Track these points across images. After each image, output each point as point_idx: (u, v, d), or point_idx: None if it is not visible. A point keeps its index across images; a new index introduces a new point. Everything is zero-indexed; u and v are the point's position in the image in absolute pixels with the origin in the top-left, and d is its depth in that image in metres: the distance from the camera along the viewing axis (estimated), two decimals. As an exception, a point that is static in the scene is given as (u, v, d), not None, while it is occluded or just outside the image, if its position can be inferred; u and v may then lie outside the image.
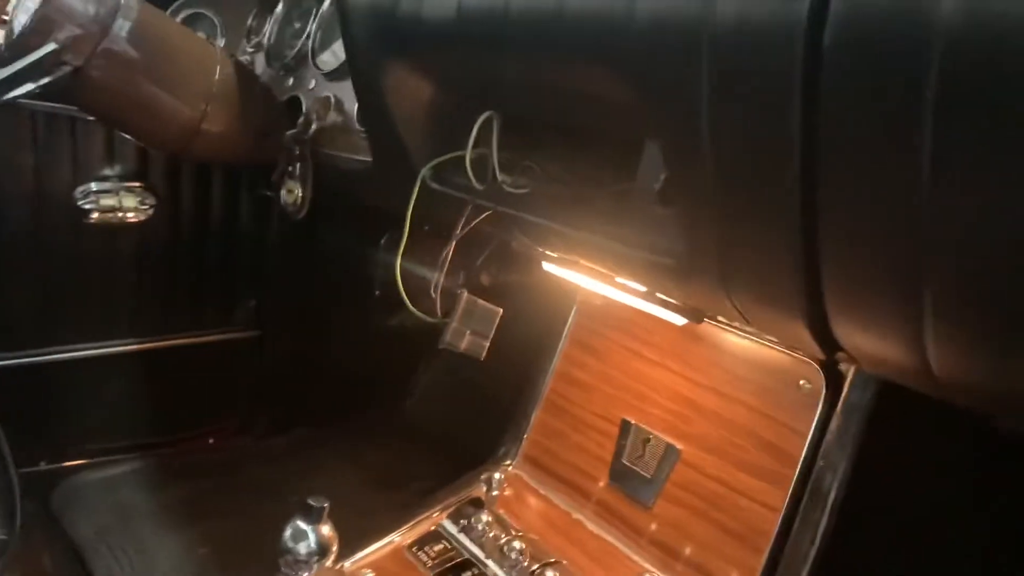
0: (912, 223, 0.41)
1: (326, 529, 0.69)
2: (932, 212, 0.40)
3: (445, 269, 0.80)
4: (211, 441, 1.80)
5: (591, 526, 0.97)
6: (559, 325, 1.09)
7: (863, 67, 0.40)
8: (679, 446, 0.92)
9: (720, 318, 0.88)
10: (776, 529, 0.81)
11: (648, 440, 0.95)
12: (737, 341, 0.90)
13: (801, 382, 0.83)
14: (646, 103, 0.55)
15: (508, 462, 1.09)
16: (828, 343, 0.54)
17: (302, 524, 0.69)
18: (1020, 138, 0.36)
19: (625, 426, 0.98)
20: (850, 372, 0.80)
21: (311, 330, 1.80)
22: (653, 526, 0.92)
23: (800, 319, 0.53)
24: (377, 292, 1.68)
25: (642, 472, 0.94)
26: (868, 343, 0.51)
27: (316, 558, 0.68)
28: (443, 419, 1.76)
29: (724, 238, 0.54)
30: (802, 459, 0.81)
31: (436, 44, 0.73)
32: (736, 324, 0.88)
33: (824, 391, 0.81)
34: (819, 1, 0.42)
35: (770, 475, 0.84)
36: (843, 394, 0.79)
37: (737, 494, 0.86)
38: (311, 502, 0.69)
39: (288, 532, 0.69)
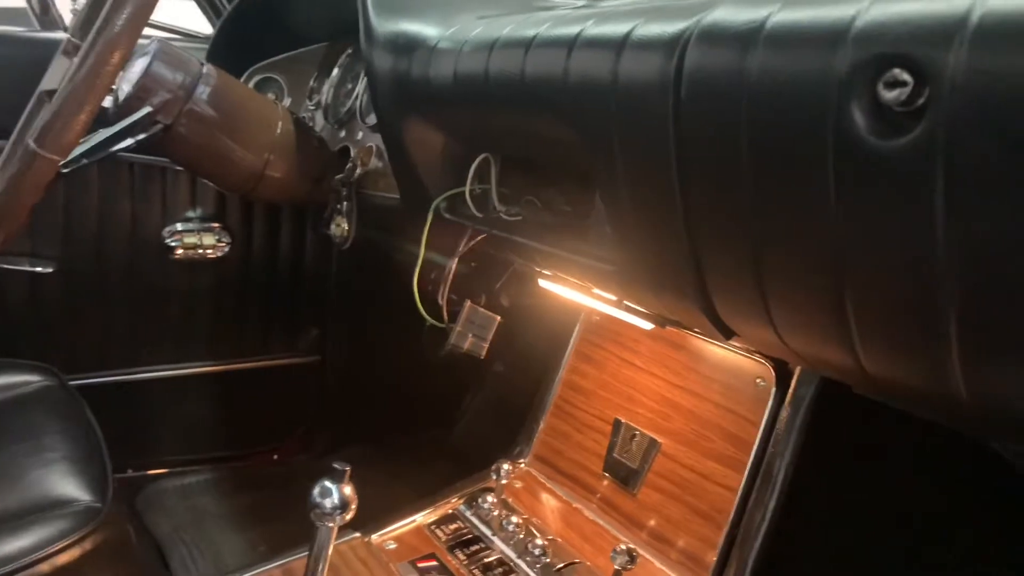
0: (751, 235, 0.56)
1: (347, 489, 0.85)
2: (758, 227, 0.55)
3: (450, 281, 0.97)
4: (275, 457, 1.98)
5: (587, 512, 1.10)
6: (566, 340, 1.25)
7: (703, 113, 0.56)
8: (660, 440, 1.05)
9: (696, 329, 1.02)
10: (734, 508, 0.94)
11: (635, 436, 1.09)
12: (709, 348, 1.03)
13: (758, 380, 0.96)
14: (583, 147, 0.71)
15: (522, 460, 1.23)
16: (724, 330, 0.68)
17: (328, 484, 0.85)
18: (798, 169, 0.50)
19: (617, 425, 1.12)
20: (797, 370, 0.92)
21: (368, 356, 1.97)
22: (636, 509, 1.05)
23: (702, 313, 0.68)
24: (427, 323, 1.84)
25: (629, 464, 1.08)
26: (747, 329, 0.65)
27: (339, 511, 0.84)
28: (487, 444, 1.90)
29: (643, 249, 0.70)
30: (755, 446, 0.94)
31: (440, 102, 0.91)
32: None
33: (775, 387, 0.94)
34: (679, 62, 0.57)
35: (731, 461, 0.96)
36: (791, 388, 0.92)
37: (704, 479, 0.99)
38: (336, 466, 0.85)
39: (317, 490, 0.84)
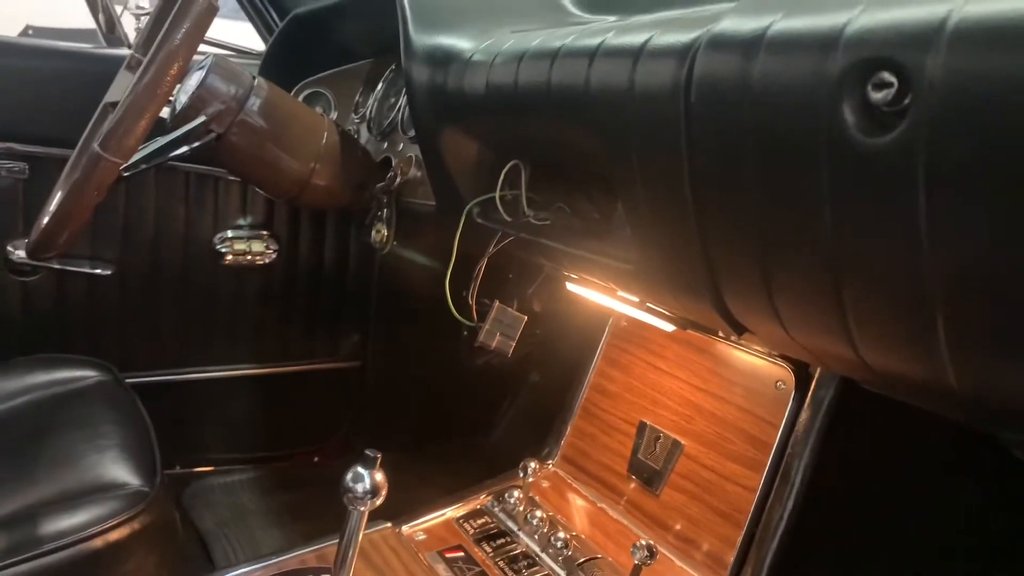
0: (757, 234, 0.59)
1: (379, 475, 0.89)
2: (763, 226, 0.58)
3: (479, 280, 1.01)
4: (316, 459, 2.03)
5: (611, 511, 1.13)
6: (594, 345, 1.28)
7: (710, 117, 0.59)
8: (683, 442, 1.08)
9: (720, 333, 1.05)
10: (752, 507, 0.96)
11: (659, 438, 1.11)
12: (731, 352, 1.06)
13: (778, 383, 0.98)
14: (603, 152, 0.75)
15: (550, 461, 1.27)
16: (737, 327, 0.71)
17: (360, 469, 0.89)
18: (796, 168, 0.54)
19: (641, 427, 1.14)
20: (816, 373, 0.94)
21: (408, 363, 2.01)
22: (659, 509, 1.07)
23: (716, 311, 0.71)
24: (465, 332, 1.89)
25: (653, 465, 1.11)
26: (757, 325, 0.68)
27: (370, 496, 0.88)
28: (522, 451, 1.94)
29: (660, 249, 0.73)
30: (775, 447, 0.96)
31: (473, 111, 0.96)
32: (733, 338, 1.04)
33: (795, 390, 0.96)
34: (688, 70, 0.61)
35: (751, 462, 0.99)
36: (810, 391, 0.94)
37: (725, 480, 1.01)
38: (368, 452, 0.89)
39: (350, 475, 0.89)
